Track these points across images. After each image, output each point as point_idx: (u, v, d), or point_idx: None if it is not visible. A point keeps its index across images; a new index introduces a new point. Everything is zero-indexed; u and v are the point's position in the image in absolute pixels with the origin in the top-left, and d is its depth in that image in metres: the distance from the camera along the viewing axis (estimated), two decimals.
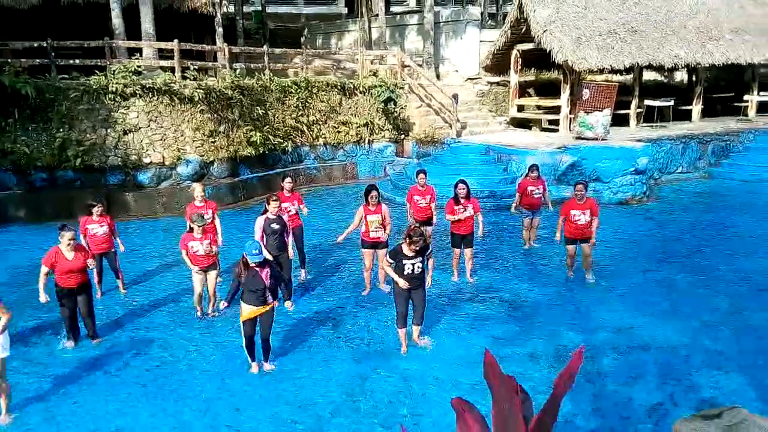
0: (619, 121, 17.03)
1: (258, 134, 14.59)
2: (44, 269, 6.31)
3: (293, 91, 16.06)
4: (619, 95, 15.68)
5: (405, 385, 5.88)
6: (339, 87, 17.00)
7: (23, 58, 13.21)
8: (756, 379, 5.62)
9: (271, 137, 15.20)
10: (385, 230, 7.91)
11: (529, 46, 17.05)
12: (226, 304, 6.10)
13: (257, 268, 5.85)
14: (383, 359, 6.38)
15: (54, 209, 12.30)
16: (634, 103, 17.60)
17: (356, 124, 17.17)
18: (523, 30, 16.84)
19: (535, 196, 9.68)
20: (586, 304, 7.67)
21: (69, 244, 6.32)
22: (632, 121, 17.69)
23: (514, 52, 17.96)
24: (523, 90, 19.45)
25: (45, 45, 13.00)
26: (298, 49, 19.40)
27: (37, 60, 13.10)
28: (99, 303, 7.63)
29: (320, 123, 16.74)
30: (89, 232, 7.71)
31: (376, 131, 17.57)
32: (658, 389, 5.50)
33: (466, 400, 1.49)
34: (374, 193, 7.78)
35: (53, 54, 13.12)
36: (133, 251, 9.90)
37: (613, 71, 16.63)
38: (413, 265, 6.19)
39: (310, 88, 16.41)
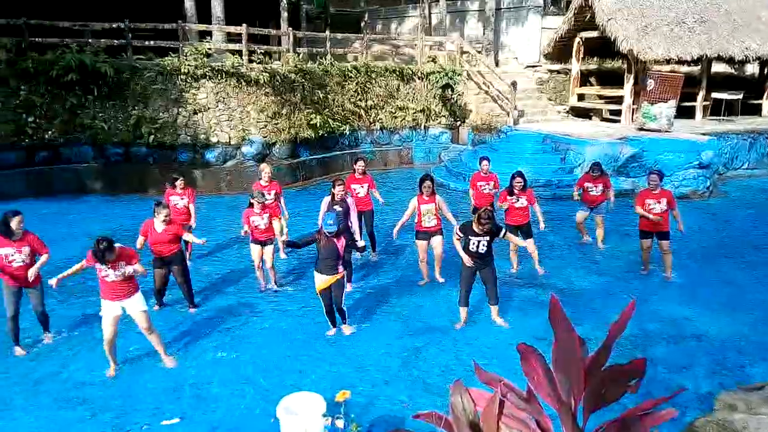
0: (685, 113, 16.54)
1: (318, 117, 15.02)
2: (140, 239, 6.89)
3: (353, 76, 16.38)
4: (686, 87, 15.26)
5: (456, 360, 6.15)
6: (397, 72, 17.21)
7: (102, 39, 14.00)
8: None
9: (330, 120, 15.59)
10: (438, 220, 7.93)
11: (593, 34, 16.74)
12: (285, 240, 6.76)
13: (334, 238, 6.25)
14: (436, 335, 6.66)
15: (127, 183, 13.17)
16: (701, 95, 17.03)
17: (413, 109, 17.37)
18: (587, 17, 16.54)
19: (591, 193, 9.46)
20: (641, 295, 7.68)
21: (164, 220, 6.83)
22: (698, 114, 17.14)
23: (577, 39, 17.67)
24: (584, 79, 19.13)
25: (122, 26, 13.75)
26: (359, 34, 19.67)
27: (115, 41, 13.89)
28: None
29: (378, 108, 17.02)
30: (171, 203, 8.21)
31: (433, 117, 17.73)
32: (709, 378, 5.56)
33: (529, 345, 1.74)
34: (428, 182, 7.76)
35: (130, 35, 13.88)
36: (202, 225, 10.48)
37: (680, 62, 16.12)
38: (479, 242, 6.45)
39: (369, 73, 16.69)
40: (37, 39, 13.03)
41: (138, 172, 13.30)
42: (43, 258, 6.14)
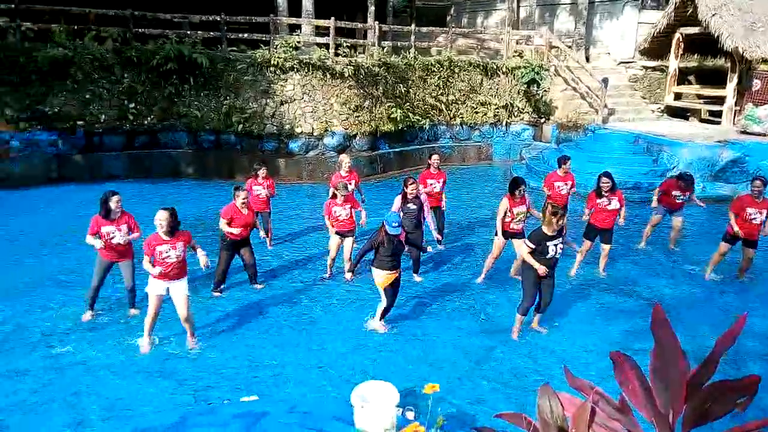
0: None
1: (399, 111, 15.05)
2: (224, 221, 7.16)
3: (435, 70, 16.27)
4: None
5: (531, 362, 6.02)
6: (481, 67, 16.92)
7: (200, 30, 14.69)
8: None
9: (410, 114, 15.57)
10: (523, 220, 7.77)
11: (694, 30, 15.76)
12: (350, 276, 6.98)
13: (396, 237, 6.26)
14: (509, 335, 6.53)
15: (217, 169, 13.80)
16: None
17: (495, 105, 17.04)
18: (689, 12, 15.57)
19: (677, 200, 9.00)
20: (733, 308, 7.21)
21: (243, 203, 7.17)
22: None
23: (677, 35, 16.67)
24: (682, 77, 18.03)
25: (219, 19, 14.38)
26: (444, 28, 19.53)
27: (211, 33, 14.54)
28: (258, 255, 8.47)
29: (459, 102, 16.82)
30: (253, 192, 8.58)
31: (515, 113, 17.32)
32: None
33: (623, 352, 1.67)
34: (523, 187, 7.55)
35: (225, 28, 14.48)
36: (282, 212, 10.84)
37: None
38: (556, 246, 6.11)
39: (452, 67, 16.51)
40: (140, 30, 13.88)
41: (227, 159, 13.91)
42: (135, 235, 6.59)
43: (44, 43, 12.70)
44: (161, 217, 5.75)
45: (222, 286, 7.53)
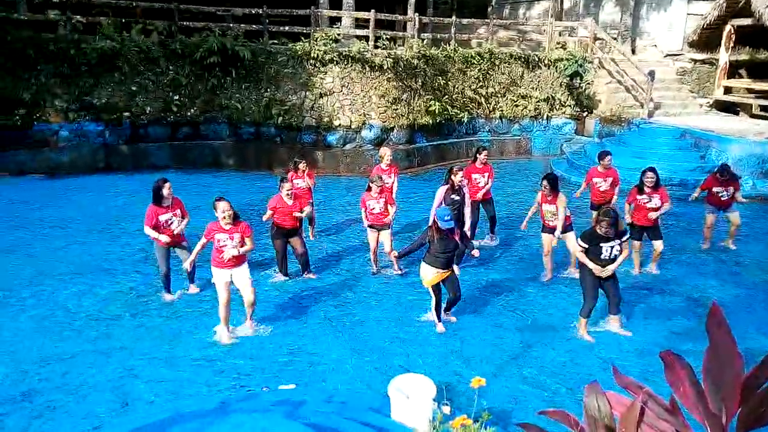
0: None
1: (437, 104, 14.94)
2: (269, 213, 7.45)
3: (475, 62, 16.08)
4: None
5: (570, 361, 5.92)
6: (522, 59, 16.64)
7: (242, 24, 14.87)
8: None
9: (449, 107, 15.45)
10: (568, 218, 7.59)
11: (747, 21, 15.14)
12: (399, 267, 6.67)
13: (448, 232, 6.12)
14: (548, 333, 6.45)
15: (256, 160, 14.00)
16: None
17: (536, 98, 16.73)
18: (741, 3, 14.97)
19: (722, 198, 8.68)
20: None
21: (288, 194, 7.38)
22: None
23: (728, 27, 16.05)
24: (732, 70, 17.35)
25: (260, 12, 14.53)
26: (485, 20, 19.26)
27: (254, 26, 14.71)
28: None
29: (498, 95, 16.57)
30: (294, 185, 8.68)
31: (557, 107, 16.98)
32: None
33: (674, 352, 1.63)
34: (544, 182, 7.42)
35: (267, 21, 14.63)
36: (320, 205, 10.91)
37: None
38: (611, 248, 5.91)
39: (492, 60, 16.29)
40: (184, 23, 14.15)
41: (266, 150, 14.08)
42: (185, 221, 6.86)
43: (93, 36, 13.08)
44: (224, 207, 5.94)
45: (285, 272, 7.76)
